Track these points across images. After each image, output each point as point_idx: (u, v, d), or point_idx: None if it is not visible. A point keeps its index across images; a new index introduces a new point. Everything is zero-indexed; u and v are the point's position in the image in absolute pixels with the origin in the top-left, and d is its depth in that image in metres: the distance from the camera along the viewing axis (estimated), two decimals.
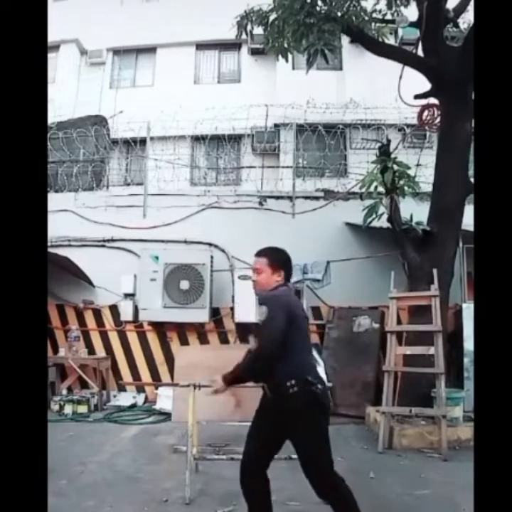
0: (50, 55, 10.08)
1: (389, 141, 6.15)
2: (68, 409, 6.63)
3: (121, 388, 7.52)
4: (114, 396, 7.37)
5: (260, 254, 2.84)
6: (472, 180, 5.32)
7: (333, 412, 6.14)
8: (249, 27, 6.37)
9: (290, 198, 7.91)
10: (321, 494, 2.50)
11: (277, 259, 2.80)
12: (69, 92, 10.89)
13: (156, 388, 7.06)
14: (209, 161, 10.59)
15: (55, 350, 7.39)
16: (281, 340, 2.49)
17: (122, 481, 4.04)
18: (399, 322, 5.85)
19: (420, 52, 6.14)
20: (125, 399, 7.24)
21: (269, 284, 2.74)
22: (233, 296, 7.30)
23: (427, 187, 6.38)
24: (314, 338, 7.08)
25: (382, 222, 6.07)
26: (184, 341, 7.56)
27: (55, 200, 7.56)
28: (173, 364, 6.93)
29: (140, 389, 7.52)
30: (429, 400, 5.15)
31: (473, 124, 5.42)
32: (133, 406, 7.06)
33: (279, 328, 2.50)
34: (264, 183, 8.62)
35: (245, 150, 9.69)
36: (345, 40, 7.64)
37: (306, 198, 7.91)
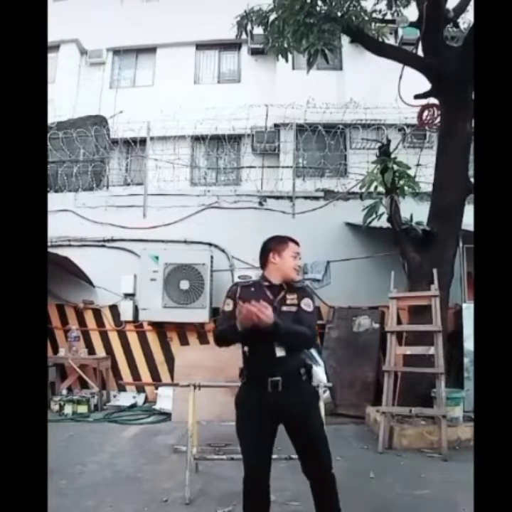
0: (50, 55, 10.09)
1: (389, 141, 6.15)
2: (68, 409, 6.63)
3: (121, 388, 7.52)
4: (114, 396, 7.36)
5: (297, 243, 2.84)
6: (472, 180, 5.32)
7: (333, 412, 6.17)
8: (249, 27, 6.37)
9: (290, 198, 7.91)
10: (327, 475, 2.54)
11: None
12: (69, 92, 10.90)
13: (156, 388, 7.07)
14: (209, 161, 10.60)
15: (55, 350, 7.38)
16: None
17: (122, 481, 4.04)
18: (399, 322, 5.85)
19: (420, 52, 6.14)
20: (125, 399, 7.23)
21: None
22: None
23: (427, 187, 6.38)
24: None
25: (382, 222, 6.07)
26: (184, 341, 7.56)
27: (55, 200, 7.55)
28: (173, 364, 6.93)
29: (140, 389, 7.52)
30: (429, 400, 5.14)
31: (473, 124, 5.43)
32: (133, 406, 7.05)
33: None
34: (264, 183, 8.63)
35: (245, 150, 9.70)
36: (345, 40, 7.62)
37: (306, 198, 7.91)
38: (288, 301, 2.62)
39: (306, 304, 2.63)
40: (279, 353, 2.55)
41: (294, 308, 2.62)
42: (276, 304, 2.60)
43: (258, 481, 2.57)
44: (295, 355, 2.60)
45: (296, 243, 2.80)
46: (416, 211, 6.21)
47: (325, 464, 2.56)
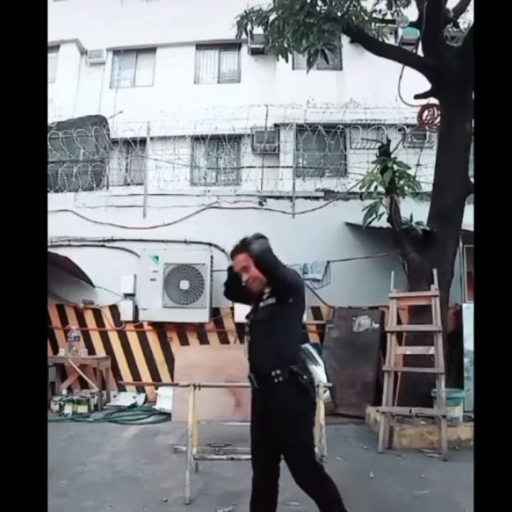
0: (50, 55, 10.08)
1: (389, 141, 6.15)
2: (68, 409, 6.62)
3: (121, 388, 7.52)
4: (114, 396, 7.36)
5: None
6: (472, 180, 5.32)
7: (333, 412, 6.16)
8: (249, 27, 6.38)
9: (290, 198, 7.90)
10: (301, 483, 2.51)
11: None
12: (69, 92, 10.89)
13: (156, 388, 7.07)
14: (209, 161, 10.60)
15: (55, 350, 7.38)
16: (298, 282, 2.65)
17: (122, 481, 4.04)
18: (399, 322, 5.85)
19: (420, 52, 6.14)
20: (125, 399, 7.23)
21: None
22: None
23: (427, 187, 6.38)
24: (314, 338, 7.08)
25: (382, 222, 6.07)
26: (184, 341, 7.56)
27: (55, 200, 7.55)
28: (173, 364, 6.94)
29: (140, 389, 7.52)
30: (429, 400, 5.15)
31: (473, 124, 5.43)
32: (133, 406, 7.05)
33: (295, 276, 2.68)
34: (264, 183, 8.62)
35: (245, 150, 9.69)
36: (345, 40, 7.63)
37: (306, 198, 7.90)
38: (264, 297, 2.61)
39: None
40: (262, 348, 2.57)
41: (270, 301, 2.57)
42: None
43: (263, 480, 2.62)
44: (262, 358, 2.55)
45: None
46: (416, 211, 6.21)
47: (296, 474, 2.49)
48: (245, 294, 2.74)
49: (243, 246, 2.63)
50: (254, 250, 2.49)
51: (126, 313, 7.58)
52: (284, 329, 2.55)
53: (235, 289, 2.82)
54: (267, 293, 2.61)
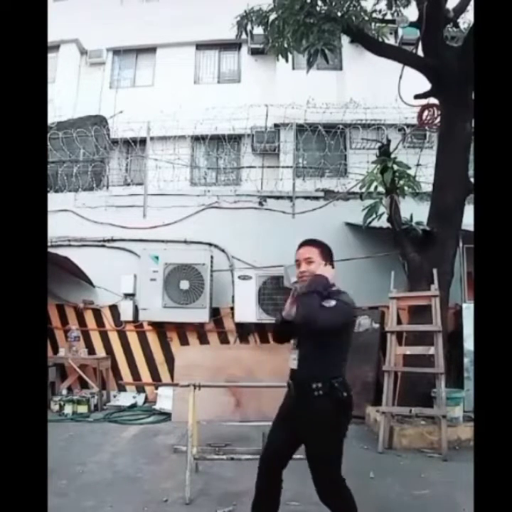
0: (50, 55, 10.08)
1: (389, 141, 6.15)
2: (68, 409, 6.62)
3: (121, 388, 7.52)
4: (114, 396, 7.36)
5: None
6: (472, 180, 5.32)
7: None
8: (249, 27, 6.39)
9: (290, 198, 7.90)
10: (322, 497, 2.48)
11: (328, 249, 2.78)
12: (69, 92, 10.90)
13: (156, 388, 7.07)
14: (209, 161, 10.60)
15: (55, 350, 7.38)
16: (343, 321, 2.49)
17: (122, 481, 4.04)
18: (399, 322, 5.85)
19: (420, 52, 6.15)
20: (125, 399, 7.23)
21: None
22: (233, 296, 7.30)
23: (427, 187, 6.38)
24: None
25: (382, 222, 6.07)
26: (184, 341, 7.56)
27: (55, 200, 7.56)
28: (173, 364, 6.94)
29: (140, 389, 7.52)
30: (429, 400, 5.15)
31: (473, 124, 5.43)
32: (133, 406, 7.05)
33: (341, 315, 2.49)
34: (264, 183, 8.62)
35: (245, 150, 9.70)
36: (345, 40, 7.64)
37: (306, 198, 7.90)
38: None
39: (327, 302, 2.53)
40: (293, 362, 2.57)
41: None
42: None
43: (269, 479, 2.60)
44: (305, 367, 2.52)
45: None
46: (416, 211, 6.21)
47: (319, 488, 2.45)
48: (293, 333, 2.66)
49: (315, 241, 2.78)
50: (298, 315, 2.52)
51: (126, 313, 7.58)
52: (329, 345, 2.51)
53: (287, 333, 2.71)
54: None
